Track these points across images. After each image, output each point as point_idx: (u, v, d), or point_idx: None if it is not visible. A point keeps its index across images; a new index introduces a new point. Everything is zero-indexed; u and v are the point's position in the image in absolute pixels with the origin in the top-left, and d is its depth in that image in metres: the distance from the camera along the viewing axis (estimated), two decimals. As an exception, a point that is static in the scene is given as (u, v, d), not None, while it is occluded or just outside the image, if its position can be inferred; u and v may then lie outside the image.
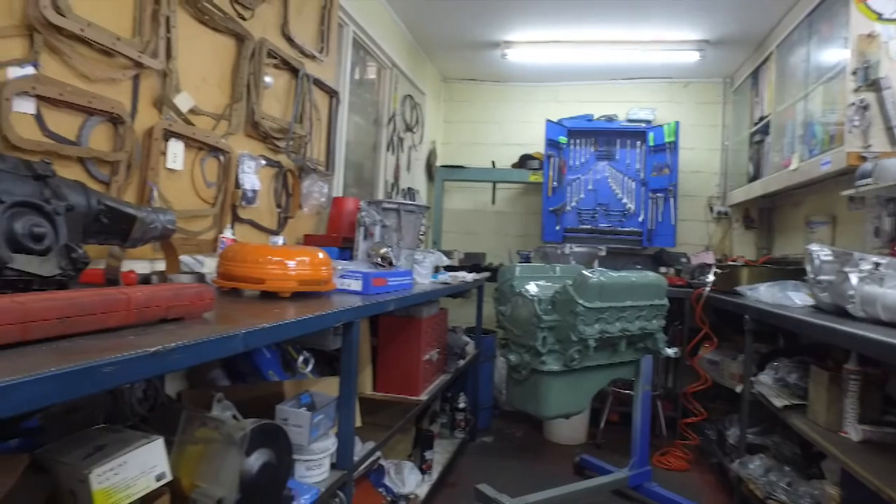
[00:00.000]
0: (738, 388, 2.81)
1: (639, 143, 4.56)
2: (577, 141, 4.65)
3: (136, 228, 1.24)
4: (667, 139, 4.43)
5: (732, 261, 3.56)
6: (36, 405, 0.66)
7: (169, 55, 1.82)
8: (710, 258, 3.87)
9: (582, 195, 4.64)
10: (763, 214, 4.43)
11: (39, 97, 1.42)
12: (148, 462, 1.07)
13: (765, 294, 2.64)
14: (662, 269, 4.06)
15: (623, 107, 4.77)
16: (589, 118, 4.70)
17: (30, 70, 1.39)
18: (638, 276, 2.47)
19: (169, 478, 1.10)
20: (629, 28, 3.90)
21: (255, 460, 1.24)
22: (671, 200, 4.41)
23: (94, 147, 1.59)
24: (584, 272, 2.23)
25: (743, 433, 2.73)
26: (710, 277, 3.30)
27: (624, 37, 4.03)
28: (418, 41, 4.35)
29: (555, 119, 4.62)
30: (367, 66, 3.84)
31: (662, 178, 4.45)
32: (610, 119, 4.68)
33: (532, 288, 2.29)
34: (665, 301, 2.47)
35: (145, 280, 1.49)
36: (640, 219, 4.51)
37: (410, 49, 4.30)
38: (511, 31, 4.08)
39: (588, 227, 4.58)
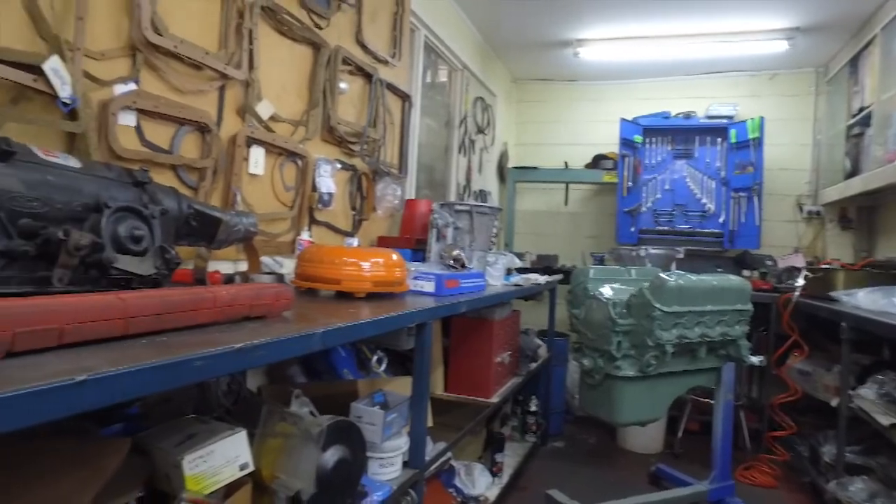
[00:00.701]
0: (834, 402, 2.60)
1: (719, 140, 4.34)
2: (653, 139, 4.48)
3: (222, 231, 1.31)
4: (750, 135, 4.18)
5: (826, 264, 3.32)
6: (139, 393, 0.73)
7: (251, 66, 1.92)
8: (799, 261, 3.63)
9: (658, 195, 4.46)
10: (863, 214, 4.09)
11: (139, 110, 1.53)
12: (232, 452, 1.12)
13: (864, 300, 2.44)
14: (746, 273, 3.86)
15: (702, 103, 4.55)
16: (665, 115, 4.51)
17: (132, 86, 1.51)
18: (719, 279, 2.35)
19: (251, 468, 1.16)
20: (709, 19, 3.71)
21: (331, 456, 1.27)
22: (755, 200, 4.15)
23: (185, 154, 1.70)
24: (662, 275, 2.15)
25: (840, 451, 2.53)
26: (800, 281, 3.10)
27: (704, 29, 3.85)
28: (489, 43, 4.34)
29: (629, 117, 4.47)
30: (438, 69, 3.88)
31: (746, 177, 4.21)
32: (688, 116, 4.47)
33: (606, 291, 2.23)
34: (749, 306, 2.33)
35: (229, 280, 1.57)
36: (721, 219, 4.28)
37: (481, 51, 4.30)
38: (584, 29, 3.99)
39: (665, 228, 4.40)
